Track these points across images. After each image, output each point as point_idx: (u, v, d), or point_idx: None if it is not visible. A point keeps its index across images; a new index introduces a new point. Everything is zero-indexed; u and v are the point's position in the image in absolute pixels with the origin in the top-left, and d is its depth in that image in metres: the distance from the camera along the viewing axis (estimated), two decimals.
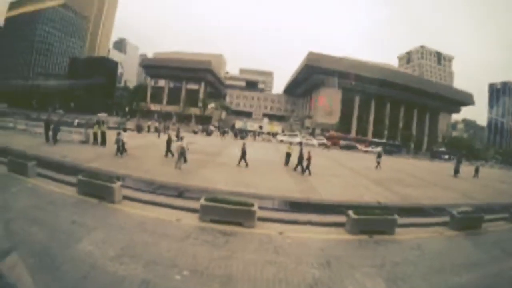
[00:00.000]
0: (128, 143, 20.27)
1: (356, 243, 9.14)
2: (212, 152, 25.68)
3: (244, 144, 21.27)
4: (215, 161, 21.73)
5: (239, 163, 20.51)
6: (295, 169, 20.90)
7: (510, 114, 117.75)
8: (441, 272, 7.84)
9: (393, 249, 9.06)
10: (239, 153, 21.16)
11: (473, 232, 11.78)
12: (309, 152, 20.49)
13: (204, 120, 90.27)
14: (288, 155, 23.81)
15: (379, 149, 53.55)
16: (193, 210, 9.91)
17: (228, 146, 36.59)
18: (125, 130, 25.29)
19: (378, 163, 29.86)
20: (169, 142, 21.22)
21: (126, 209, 9.73)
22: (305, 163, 20.24)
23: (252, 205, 9.46)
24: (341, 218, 10.48)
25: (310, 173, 19.79)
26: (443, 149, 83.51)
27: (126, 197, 10.67)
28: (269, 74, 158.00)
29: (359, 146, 65.30)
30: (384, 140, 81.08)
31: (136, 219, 8.95)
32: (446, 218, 12.39)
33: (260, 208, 10.13)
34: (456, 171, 31.56)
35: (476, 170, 33.37)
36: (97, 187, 10.31)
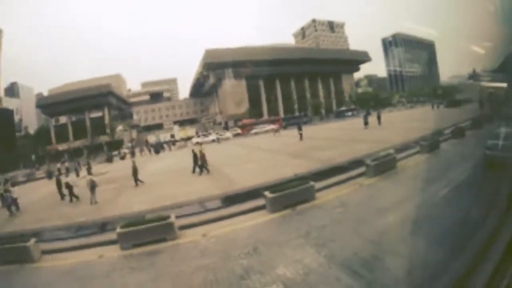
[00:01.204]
0: (35, 192, 18.16)
1: (280, 220, 9.28)
2: (125, 176, 23.87)
3: (133, 162, 20.13)
4: (127, 185, 19.86)
5: (136, 183, 19.12)
6: (193, 171, 20.03)
7: (404, 61, 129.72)
8: (367, 220, 8.18)
9: (317, 214, 9.32)
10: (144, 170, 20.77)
11: (390, 174, 12.60)
12: (200, 151, 19.77)
13: (115, 145, 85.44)
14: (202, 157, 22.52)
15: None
16: (114, 242, 9.40)
17: (142, 165, 34.48)
18: (14, 184, 21.90)
19: (301, 135, 31.03)
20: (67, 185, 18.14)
21: (48, 264, 8.91)
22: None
23: (168, 217, 9.19)
24: (261, 201, 10.57)
25: (208, 171, 19.22)
26: (344, 107, 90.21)
27: (45, 252, 9.73)
28: (172, 81, 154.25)
29: (272, 127, 64.76)
30: (296, 114, 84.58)
31: (60, 271, 8.23)
32: (363, 169, 13.06)
33: (180, 216, 10.06)
34: (366, 123, 33.74)
35: (378, 117, 35.44)
36: (11, 251, 9.25)
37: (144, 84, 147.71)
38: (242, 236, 8.40)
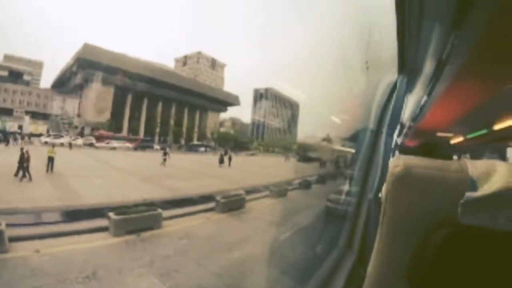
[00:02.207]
0: None
1: (123, 245, 8.76)
2: None
3: None
4: None
5: None
6: (16, 174, 16.71)
7: (269, 113, 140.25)
8: (212, 253, 8.27)
9: (162, 243, 9.08)
10: None
11: (239, 212, 13.11)
12: (27, 152, 17.15)
13: None
14: (51, 160, 19.27)
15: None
16: None
17: None
18: None
19: (165, 160, 29.95)
20: None
21: None
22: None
23: None
24: (105, 222, 9.79)
25: (30, 178, 16.61)
26: (199, 142, 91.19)
27: None
28: (38, 64, 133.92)
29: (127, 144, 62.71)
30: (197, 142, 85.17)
31: None
32: (213, 204, 13.23)
33: (12, 225, 8.68)
34: (221, 161, 34.47)
35: (229, 159, 36.66)
36: None
37: (8, 58, 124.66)
38: (80, 258, 7.60)
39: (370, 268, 0.79)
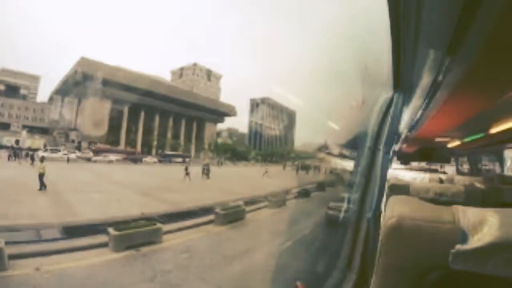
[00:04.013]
0: None
1: (123, 261, 8.67)
2: None
3: None
4: None
5: None
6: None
7: (266, 123, 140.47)
8: (213, 266, 8.21)
9: (163, 257, 9.00)
10: None
11: (239, 224, 13.02)
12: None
13: None
14: (41, 176, 18.36)
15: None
16: None
17: None
18: None
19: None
20: None
21: None
22: None
23: None
24: (104, 238, 9.74)
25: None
26: (171, 152, 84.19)
27: None
28: (35, 79, 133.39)
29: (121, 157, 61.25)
30: (173, 152, 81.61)
31: None
32: (212, 216, 13.15)
33: (11, 243, 8.52)
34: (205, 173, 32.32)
35: (207, 171, 33.28)
36: None
37: (4, 71, 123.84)
38: (81, 275, 7.56)
39: None
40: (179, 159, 71.89)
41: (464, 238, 0.66)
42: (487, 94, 2.08)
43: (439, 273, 0.66)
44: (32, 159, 33.15)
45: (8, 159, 37.02)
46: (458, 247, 0.64)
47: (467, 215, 0.70)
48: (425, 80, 1.97)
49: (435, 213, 0.72)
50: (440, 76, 1.75)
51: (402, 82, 2.28)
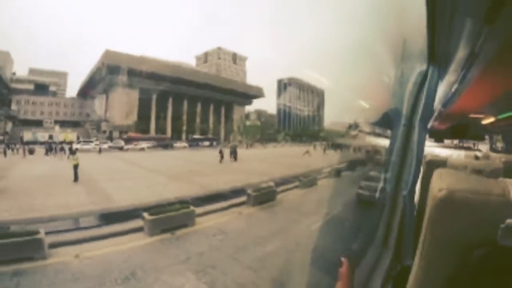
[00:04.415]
0: None
1: (158, 244, 8.91)
2: None
3: None
4: None
5: None
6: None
7: (294, 103, 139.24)
8: (246, 248, 8.32)
9: (196, 240, 9.16)
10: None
11: (270, 205, 13.14)
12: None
13: None
14: (75, 167, 18.94)
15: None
16: None
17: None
18: None
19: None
20: None
21: None
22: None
23: (37, 232, 8.02)
24: (139, 222, 10.02)
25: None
26: (200, 136, 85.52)
27: None
28: (62, 75, 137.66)
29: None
30: (201, 136, 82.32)
31: None
32: (243, 198, 13.35)
33: (51, 233, 8.92)
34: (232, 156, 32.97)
35: (234, 154, 33.63)
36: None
37: (32, 71, 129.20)
38: (118, 259, 7.78)
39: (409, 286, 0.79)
40: (207, 143, 73.67)
41: None
42: None
43: (487, 249, 0.64)
44: (67, 152, 34.35)
45: (46, 153, 38.26)
46: (509, 221, 0.61)
47: None
48: (461, 52, 1.88)
49: (485, 186, 0.68)
50: (477, 48, 1.67)
51: (437, 55, 2.18)
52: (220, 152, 31.46)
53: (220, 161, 30.15)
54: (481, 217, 0.66)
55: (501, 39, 1.52)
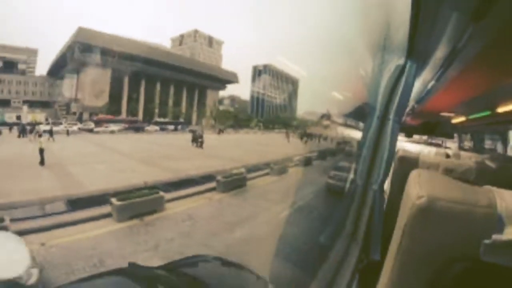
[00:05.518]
0: None
1: (127, 231, 8.80)
2: None
3: None
4: None
5: None
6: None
7: (268, 90, 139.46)
8: (215, 233, 8.35)
9: (166, 226, 9.15)
10: None
11: (240, 191, 13.25)
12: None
13: None
14: (41, 151, 18.27)
15: None
16: None
17: None
18: None
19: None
20: None
21: None
22: None
23: (1, 220, 7.82)
24: (108, 208, 9.82)
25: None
26: (165, 119, 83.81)
27: None
28: (32, 52, 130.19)
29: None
30: (165, 119, 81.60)
31: None
32: (213, 184, 13.31)
33: (15, 220, 8.67)
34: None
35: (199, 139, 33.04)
36: None
37: (1, 47, 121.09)
38: (86, 247, 7.63)
39: None
40: (171, 127, 74.00)
41: (501, 227, 0.58)
42: (504, 69, 1.99)
43: (467, 264, 0.60)
44: (35, 134, 33.22)
45: (19, 136, 37.04)
46: (495, 237, 0.56)
47: (505, 199, 0.61)
48: (442, 48, 1.87)
49: (470, 194, 0.63)
50: (460, 45, 1.65)
51: (417, 49, 2.16)
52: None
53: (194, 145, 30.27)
54: (464, 230, 0.61)
55: (486, 37, 1.50)
